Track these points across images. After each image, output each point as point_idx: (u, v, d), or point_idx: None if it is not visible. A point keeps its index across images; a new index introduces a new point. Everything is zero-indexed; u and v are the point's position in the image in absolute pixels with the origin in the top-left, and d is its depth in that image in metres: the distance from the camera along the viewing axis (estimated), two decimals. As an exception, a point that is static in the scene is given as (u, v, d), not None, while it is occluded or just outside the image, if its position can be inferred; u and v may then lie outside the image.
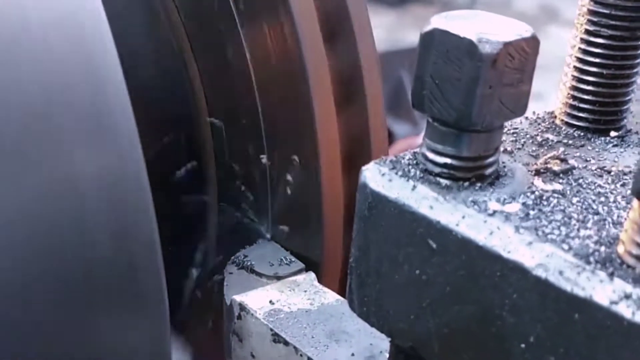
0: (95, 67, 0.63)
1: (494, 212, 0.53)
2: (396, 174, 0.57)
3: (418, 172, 0.57)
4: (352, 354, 0.74)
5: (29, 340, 0.63)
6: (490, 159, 0.56)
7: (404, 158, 0.59)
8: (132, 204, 0.64)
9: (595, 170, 0.60)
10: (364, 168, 0.59)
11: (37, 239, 0.61)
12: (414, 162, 0.58)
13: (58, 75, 0.62)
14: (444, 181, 0.56)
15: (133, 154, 0.64)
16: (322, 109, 0.85)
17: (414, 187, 0.56)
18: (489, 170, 0.56)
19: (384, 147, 0.91)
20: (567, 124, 0.66)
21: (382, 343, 0.75)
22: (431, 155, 0.56)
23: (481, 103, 0.52)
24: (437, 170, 0.56)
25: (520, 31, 0.53)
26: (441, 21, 0.53)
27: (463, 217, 0.53)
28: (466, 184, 0.56)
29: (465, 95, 0.52)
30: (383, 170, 0.58)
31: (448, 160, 0.55)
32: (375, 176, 0.58)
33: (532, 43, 0.53)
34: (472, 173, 0.56)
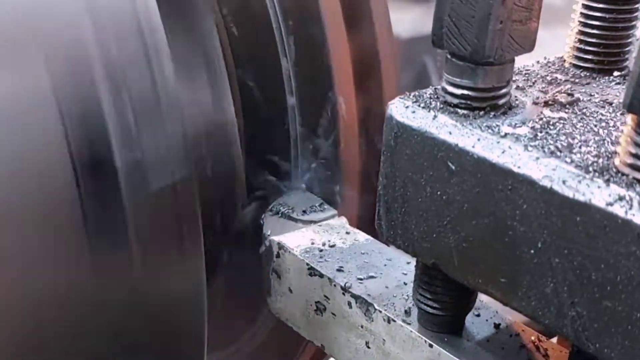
0: None
1: (506, 134, 0.60)
2: (419, 106, 0.64)
3: (438, 104, 0.64)
4: (386, 286, 0.81)
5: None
6: (503, 90, 0.63)
7: (425, 93, 0.66)
8: None
9: (599, 102, 0.66)
10: (390, 103, 0.66)
11: None
12: (435, 95, 0.65)
13: None
14: (461, 111, 0.63)
15: None
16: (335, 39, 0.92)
17: (435, 116, 0.63)
18: (502, 101, 0.63)
19: None
20: (574, 65, 0.73)
21: (408, 276, 0.82)
22: (450, 88, 0.63)
23: (493, 37, 0.59)
24: (455, 101, 0.63)
25: (527, -27, 0.60)
26: (457, -34, 0.60)
27: (478, 139, 0.60)
28: (481, 112, 0.62)
29: (478, 31, 0.59)
30: (407, 103, 0.65)
31: (465, 92, 0.62)
32: (400, 109, 0.65)
33: (539, -16, 0.60)
34: (486, 103, 0.62)
